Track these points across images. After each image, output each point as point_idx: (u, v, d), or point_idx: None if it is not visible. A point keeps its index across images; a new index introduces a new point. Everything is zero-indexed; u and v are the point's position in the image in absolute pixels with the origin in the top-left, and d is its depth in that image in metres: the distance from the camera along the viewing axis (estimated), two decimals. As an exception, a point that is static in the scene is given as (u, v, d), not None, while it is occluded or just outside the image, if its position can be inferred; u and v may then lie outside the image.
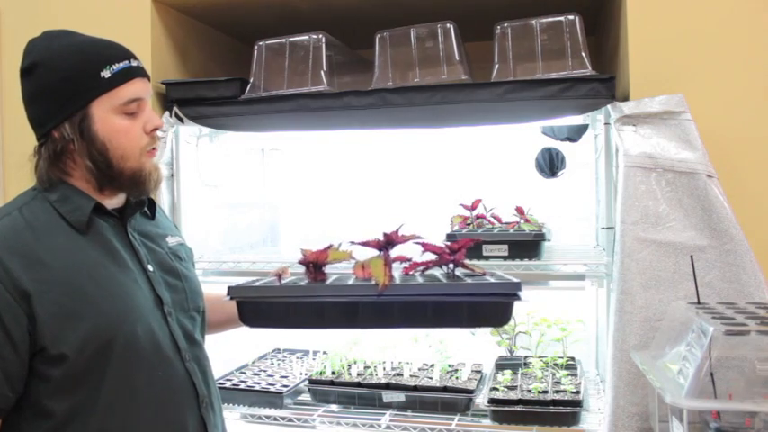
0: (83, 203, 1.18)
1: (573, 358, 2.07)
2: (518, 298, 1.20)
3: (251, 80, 1.86)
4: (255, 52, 1.89)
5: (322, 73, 1.80)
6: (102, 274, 1.15)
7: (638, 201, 1.47)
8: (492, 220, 2.02)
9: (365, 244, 1.27)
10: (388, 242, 1.26)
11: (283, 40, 1.86)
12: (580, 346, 2.10)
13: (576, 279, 1.72)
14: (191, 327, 1.29)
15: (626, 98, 1.57)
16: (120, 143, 1.17)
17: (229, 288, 1.25)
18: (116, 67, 1.16)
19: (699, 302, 1.32)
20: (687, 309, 1.28)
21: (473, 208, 2.02)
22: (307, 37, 1.84)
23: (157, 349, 1.18)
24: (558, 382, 1.86)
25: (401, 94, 1.72)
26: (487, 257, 1.77)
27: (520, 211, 1.96)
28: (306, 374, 2.09)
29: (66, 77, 1.14)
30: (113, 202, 1.23)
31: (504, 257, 1.75)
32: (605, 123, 1.72)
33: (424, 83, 1.73)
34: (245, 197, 2.41)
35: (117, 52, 1.19)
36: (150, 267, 1.24)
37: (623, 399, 1.44)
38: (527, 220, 1.91)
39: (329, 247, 1.30)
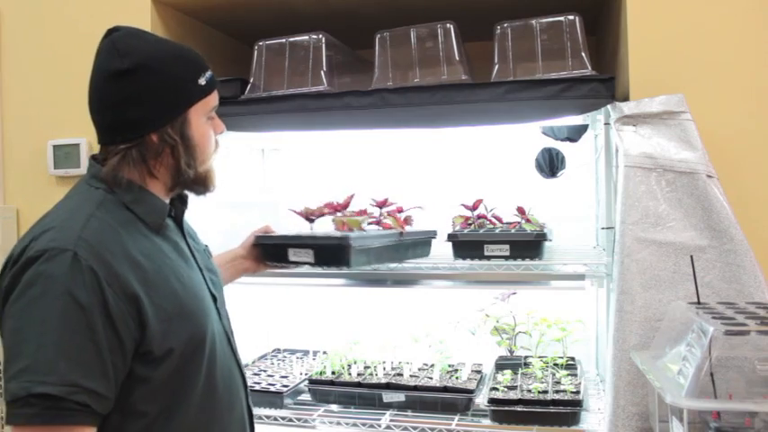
0: (158, 205, 1.18)
1: (573, 358, 2.07)
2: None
3: (251, 80, 1.86)
4: (255, 52, 1.89)
5: (322, 73, 1.80)
6: (182, 275, 1.16)
7: (638, 201, 1.47)
8: (493, 220, 2.02)
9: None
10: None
11: (283, 40, 1.86)
12: (580, 346, 2.10)
13: (576, 279, 1.72)
14: (230, 323, 1.33)
15: (626, 98, 1.57)
16: (205, 147, 1.21)
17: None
18: (207, 74, 1.20)
19: (699, 302, 1.32)
20: (687, 309, 1.28)
21: (474, 208, 2.02)
22: (307, 37, 1.84)
23: (222, 345, 1.22)
24: (558, 382, 1.86)
25: (401, 94, 1.72)
26: (489, 257, 1.77)
27: (521, 211, 1.96)
28: (306, 374, 2.09)
29: (172, 82, 1.14)
30: (166, 200, 1.24)
31: (506, 257, 1.75)
32: (605, 123, 1.72)
33: (424, 83, 1.73)
34: (245, 197, 2.41)
35: (203, 60, 1.21)
36: (201, 266, 1.27)
37: (623, 399, 1.44)
38: (528, 220, 1.91)
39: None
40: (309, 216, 1.83)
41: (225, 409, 1.20)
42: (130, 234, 1.11)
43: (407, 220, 1.86)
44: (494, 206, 2.04)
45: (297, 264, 1.67)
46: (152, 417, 1.08)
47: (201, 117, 1.19)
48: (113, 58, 1.12)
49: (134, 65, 1.11)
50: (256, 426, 1.35)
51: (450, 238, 1.81)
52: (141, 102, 1.12)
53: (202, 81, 1.18)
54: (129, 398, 1.06)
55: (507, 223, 1.99)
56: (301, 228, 1.86)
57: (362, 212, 1.82)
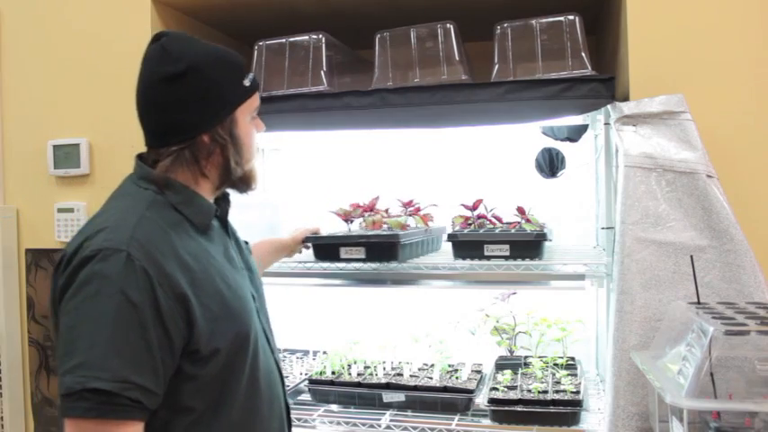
0: (205, 205, 1.22)
1: (573, 358, 2.07)
2: None
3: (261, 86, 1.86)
4: (255, 52, 1.89)
5: (322, 73, 1.80)
6: (227, 276, 1.19)
7: (638, 201, 1.47)
8: (493, 220, 2.01)
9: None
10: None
11: (283, 40, 1.86)
12: (580, 346, 2.10)
13: (576, 279, 1.72)
14: (269, 321, 1.37)
15: (626, 98, 1.57)
16: (251, 145, 1.26)
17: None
18: (250, 75, 1.24)
19: (699, 302, 1.32)
20: (687, 309, 1.28)
21: (474, 208, 2.02)
22: (307, 37, 1.85)
23: (263, 342, 1.26)
24: (558, 382, 1.86)
25: (401, 94, 1.72)
26: (489, 257, 1.77)
27: (521, 211, 1.96)
28: (306, 374, 2.09)
29: (222, 84, 1.18)
30: (212, 201, 1.27)
31: (506, 257, 1.75)
32: (605, 123, 1.73)
33: (424, 83, 1.73)
34: (244, 197, 2.40)
35: (243, 63, 1.25)
36: (242, 265, 1.30)
37: (623, 399, 1.44)
38: (528, 220, 1.91)
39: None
40: (348, 218, 2.00)
41: (266, 404, 1.23)
42: (179, 235, 1.14)
43: (427, 218, 1.99)
44: (494, 206, 2.04)
45: (347, 261, 1.82)
46: (199, 413, 1.12)
47: (247, 117, 1.23)
48: (165, 62, 1.15)
49: (186, 68, 1.14)
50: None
51: (451, 238, 1.81)
52: (193, 104, 1.15)
53: (246, 82, 1.22)
54: (177, 395, 1.09)
55: (507, 223, 1.99)
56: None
57: (385, 212, 2.03)
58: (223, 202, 1.31)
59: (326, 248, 1.86)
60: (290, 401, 1.43)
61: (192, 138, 1.17)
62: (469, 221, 2.00)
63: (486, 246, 1.77)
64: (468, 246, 1.80)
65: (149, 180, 1.17)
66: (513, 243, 1.75)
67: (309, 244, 1.88)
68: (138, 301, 1.02)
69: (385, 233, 1.85)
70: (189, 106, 1.15)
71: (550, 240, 1.83)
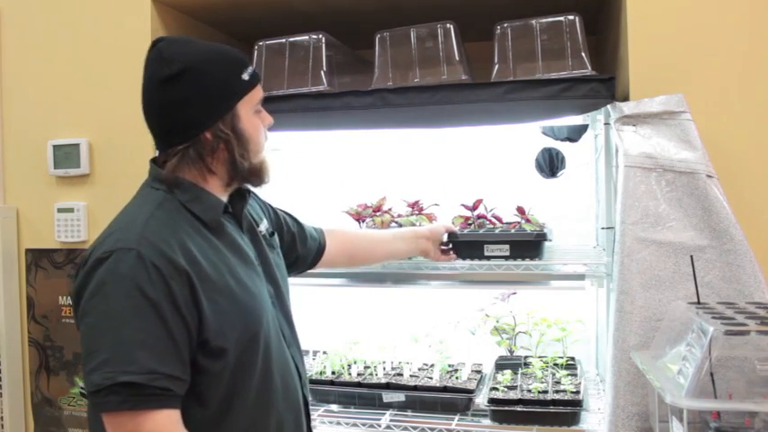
0: (214, 202, 1.24)
1: (573, 358, 2.07)
2: None
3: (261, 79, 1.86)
4: (255, 52, 1.89)
5: (322, 73, 1.80)
6: (238, 272, 1.22)
7: (638, 201, 1.47)
8: (493, 220, 2.01)
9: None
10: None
11: (283, 40, 1.86)
12: (580, 346, 2.10)
13: (576, 279, 1.72)
14: (289, 314, 1.39)
15: (626, 98, 1.57)
16: (257, 138, 1.26)
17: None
18: (249, 70, 1.25)
19: (699, 302, 1.32)
20: (687, 309, 1.28)
21: (474, 208, 2.02)
22: (307, 37, 1.84)
23: (278, 339, 1.29)
24: (558, 382, 1.86)
25: (401, 95, 1.71)
26: (489, 257, 1.77)
27: (521, 210, 1.96)
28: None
29: (219, 80, 1.20)
30: (224, 197, 1.28)
31: (506, 257, 1.75)
32: (605, 123, 1.72)
33: (424, 83, 1.73)
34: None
35: (244, 57, 1.27)
36: (257, 261, 1.32)
37: (623, 399, 1.44)
38: (528, 221, 1.91)
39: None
40: (360, 218, 2.01)
41: (281, 398, 1.26)
42: (188, 232, 1.17)
43: (432, 217, 2.01)
44: (494, 206, 2.03)
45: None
46: (213, 406, 1.15)
47: (249, 110, 1.25)
48: (161, 65, 1.18)
49: (180, 69, 1.17)
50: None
51: (451, 237, 1.81)
52: (192, 103, 1.18)
53: (246, 76, 1.23)
54: (191, 388, 1.12)
55: (507, 223, 1.99)
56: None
57: (387, 212, 2.02)
58: (238, 197, 1.32)
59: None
60: (310, 396, 1.44)
61: (195, 136, 1.19)
62: (469, 221, 2.00)
63: (486, 246, 1.77)
64: (468, 246, 1.79)
65: (160, 181, 1.21)
66: (514, 243, 1.75)
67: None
68: (154, 296, 1.07)
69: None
70: (188, 105, 1.18)
71: (550, 240, 1.82)
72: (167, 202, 1.19)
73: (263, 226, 1.41)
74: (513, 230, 1.84)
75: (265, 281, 1.31)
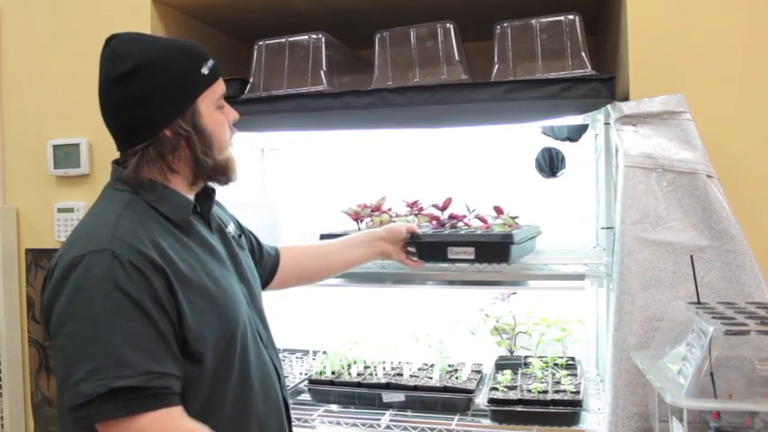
0: (182, 202, 1.20)
1: (573, 358, 2.07)
2: None
3: (251, 80, 1.86)
4: (255, 52, 1.89)
5: (322, 73, 1.80)
6: (212, 271, 1.19)
7: (638, 201, 1.47)
8: (471, 221, 1.91)
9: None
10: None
11: (283, 40, 1.86)
12: (580, 346, 2.10)
13: (576, 279, 1.72)
14: (264, 315, 1.36)
15: (626, 98, 1.57)
16: (221, 134, 1.22)
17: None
18: (209, 64, 1.21)
19: (699, 302, 1.32)
20: (687, 309, 1.28)
21: (444, 207, 1.93)
22: (307, 37, 1.84)
23: (254, 340, 1.25)
24: (558, 382, 1.86)
25: (401, 94, 1.71)
26: (453, 260, 1.68)
27: (498, 210, 1.87)
28: (306, 374, 2.09)
29: (175, 75, 1.16)
30: (190, 197, 1.25)
31: (471, 261, 1.66)
32: (605, 123, 1.72)
33: (424, 83, 1.73)
34: (245, 197, 2.41)
35: (204, 51, 1.23)
36: (229, 260, 1.29)
37: (623, 399, 1.44)
38: (505, 222, 1.81)
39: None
40: (359, 218, 1.96)
41: (260, 400, 1.23)
42: (159, 232, 1.13)
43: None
44: (476, 207, 1.94)
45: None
46: (194, 411, 1.10)
47: (211, 105, 1.21)
48: (114, 63, 1.15)
49: (134, 66, 1.13)
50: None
51: (412, 239, 1.71)
52: (148, 100, 1.14)
53: (205, 70, 1.20)
54: None
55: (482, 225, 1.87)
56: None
57: (387, 212, 1.97)
58: (204, 197, 1.29)
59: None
60: (290, 398, 1.41)
61: (154, 134, 1.15)
62: (442, 222, 1.92)
63: (449, 248, 1.67)
64: (430, 248, 1.70)
65: (123, 182, 1.17)
66: (479, 246, 1.65)
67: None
68: (136, 295, 1.03)
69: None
70: (144, 103, 1.14)
71: (517, 244, 1.68)
72: (134, 202, 1.15)
73: (232, 227, 1.39)
74: (479, 232, 1.75)
75: (238, 281, 1.28)
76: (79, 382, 0.99)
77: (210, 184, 1.28)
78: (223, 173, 1.24)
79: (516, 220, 1.87)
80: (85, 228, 1.12)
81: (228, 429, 1.16)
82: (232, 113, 1.27)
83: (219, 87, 1.23)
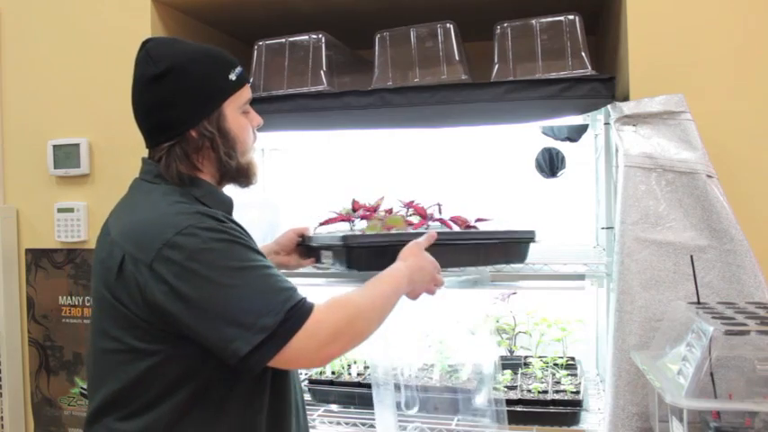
0: (225, 197, 1.28)
1: (573, 358, 2.07)
2: None
3: (251, 80, 1.86)
4: (255, 52, 1.88)
5: (322, 73, 1.80)
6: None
7: (638, 201, 1.47)
8: (450, 223, 1.73)
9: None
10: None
11: (283, 40, 1.86)
12: (580, 346, 2.10)
13: (576, 279, 1.72)
14: None
15: (626, 98, 1.57)
16: (244, 138, 1.28)
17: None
18: (237, 70, 1.26)
19: (699, 302, 1.32)
20: (687, 309, 1.28)
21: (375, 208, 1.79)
22: (307, 37, 1.84)
23: None
24: (558, 382, 1.86)
25: (401, 94, 1.71)
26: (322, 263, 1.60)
27: (460, 221, 1.71)
28: (305, 374, 2.09)
29: (204, 79, 1.21)
30: None
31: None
32: (605, 123, 1.73)
33: (424, 83, 1.73)
34: (245, 196, 2.41)
35: (233, 58, 1.28)
36: None
37: (623, 399, 1.44)
38: (469, 226, 1.68)
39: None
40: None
41: (297, 384, 1.32)
42: None
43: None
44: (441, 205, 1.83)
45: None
46: (266, 406, 1.20)
47: (236, 110, 1.26)
48: (148, 65, 1.20)
49: (166, 68, 1.19)
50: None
51: (305, 241, 1.65)
52: (177, 101, 1.19)
53: (233, 77, 1.25)
54: (242, 392, 1.17)
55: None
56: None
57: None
58: None
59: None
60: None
61: (181, 134, 1.20)
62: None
63: (322, 252, 1.57)
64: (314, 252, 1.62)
65: (161, 177, 1.21)
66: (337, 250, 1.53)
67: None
68: (244, 240, 1.13)
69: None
70: (174, 104, 1.19)
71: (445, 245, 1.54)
72: (186, 194, 1.20)
73: None
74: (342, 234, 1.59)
75: None
76: (261, 316, 1.05)
77: (234, 185, 1.33)
78: (245, 175, 1.30)
79: (431, 223, 1.70)
80: (151, 215, 1.14)
81: (278, 420, 1.24)
82: (256, 119, 1.32)
83: (246, 93, 1.28)
